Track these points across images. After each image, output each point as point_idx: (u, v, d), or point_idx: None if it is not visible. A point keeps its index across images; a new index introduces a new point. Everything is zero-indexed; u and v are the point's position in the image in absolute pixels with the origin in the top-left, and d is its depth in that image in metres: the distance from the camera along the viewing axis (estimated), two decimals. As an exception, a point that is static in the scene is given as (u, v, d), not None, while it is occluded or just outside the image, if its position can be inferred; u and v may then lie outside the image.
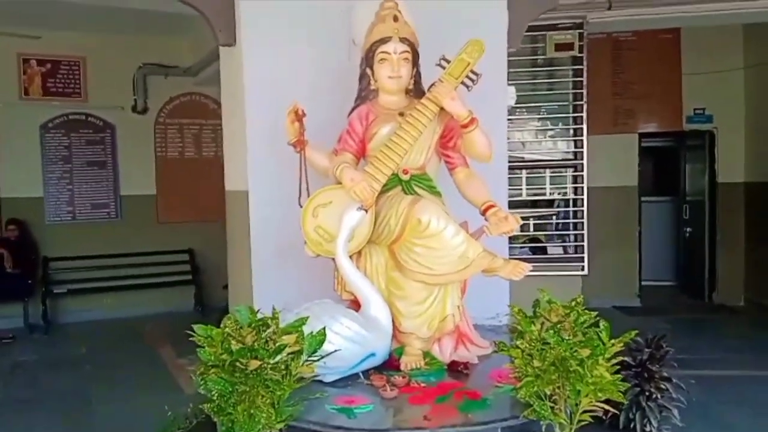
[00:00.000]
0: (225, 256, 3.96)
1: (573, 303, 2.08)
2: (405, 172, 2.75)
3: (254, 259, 3.39)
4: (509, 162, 4.08)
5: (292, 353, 2.04)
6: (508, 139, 4.39)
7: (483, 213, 2.75)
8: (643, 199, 8.25)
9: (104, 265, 7.98)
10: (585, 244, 6.59)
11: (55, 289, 7.81)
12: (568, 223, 6.73)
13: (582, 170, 6.50)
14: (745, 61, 7.93)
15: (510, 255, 3.78)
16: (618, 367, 2.08)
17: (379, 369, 2.65)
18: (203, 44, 6.67)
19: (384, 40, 2.74)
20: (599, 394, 2.00)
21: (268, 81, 3.38)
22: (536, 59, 6.51)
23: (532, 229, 6.87)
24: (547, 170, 6.76)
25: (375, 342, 2.57)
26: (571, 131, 6.59)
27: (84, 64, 8.01)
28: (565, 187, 6.62)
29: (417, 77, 2.86)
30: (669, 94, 8.07)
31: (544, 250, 6.99)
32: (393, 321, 2.66)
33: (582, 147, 6.44)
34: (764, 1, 5.67)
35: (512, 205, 3.87)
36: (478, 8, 3.61)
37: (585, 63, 6.19)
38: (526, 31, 4.07)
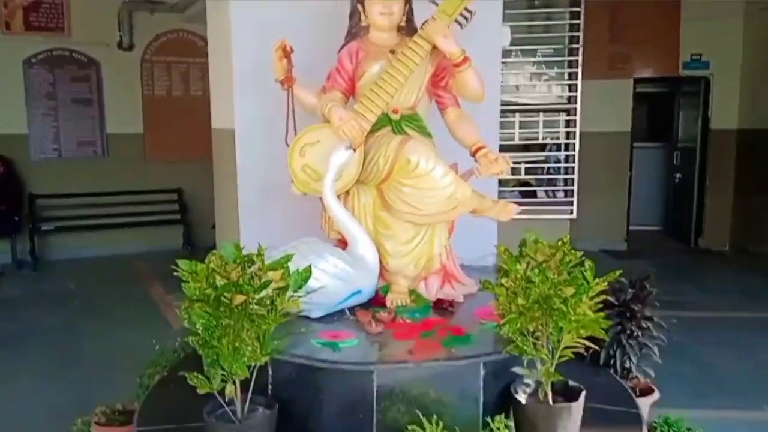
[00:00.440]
0: (213, 195, 3.94)
1: (559, 243, 2.09)
2: (395, 111, 2.71)
3: (241, 199, 3.37)
4: (502, 106, 4.03)
5: (277, 289, 2.05)
6: (502, 82, 4.33)
7: (473, 154, 2.73)
8: (635, 145, 8.24)
9: (92, 203, 7.93)
10: (575, 188, 6.61)
11: (42, 226, 7.78)
12: (559, 167, 6.74)
13: (575, 115, 6.44)
14: (746, 7, 7.78)
15: (500, 198, 3.78)
16: (601, 306, 2.11)
17: (366, 306, 2.68)
18: (190, -22, 6.46)
19: None
20: (581, 332, 2.03)
21: (256, 17, 3.28)
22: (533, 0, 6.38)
23: (523, 173, 6.87)
24: (541, 114, 6.70)
25: (361, 280, 2.59)
26: (566, 75, 6.51)
27: (67, -2, 7.77)
28: (558, 132, 6.59)
29: (409, 14, 2.79)
30: (666, 39, 7.93)
31: (534, 195, 7.02)
32: (380, 260, 2.67)
33: (576, 91, 6.38)
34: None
35: (504, 149, 3.83)
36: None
37: (582, 5, 6.06)
38: (524, -30, 3.95)
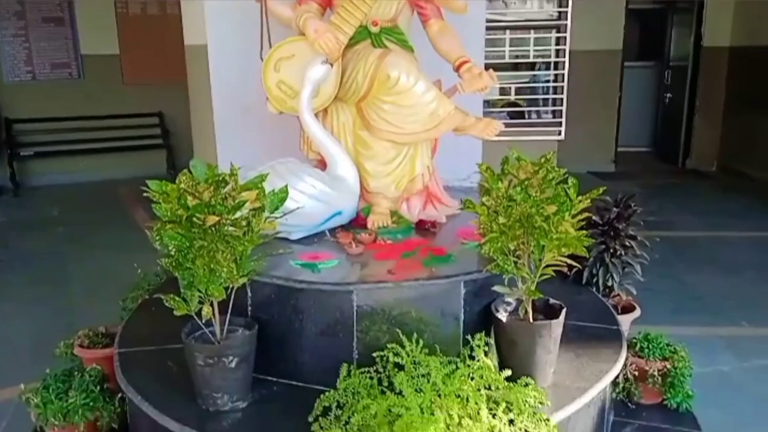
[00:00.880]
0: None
1: (542, 160, 2.03)
2: (374, 23, 2.58)
3: (217, 120, 3.26)
4: (492, 23, 3.87)
5: (253, 210, 1.99)
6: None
7: (456, 69, 2.62)
8: (625, 64, 8.06)
9: (71, 127, 7.75)
10: (563, 108, 6.49)
11: (21, 151, 7.63)
12: (548, 87, 6.59)
13: (565, 32, 6.24)
14: None
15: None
16: (584, 224, 2.07)
17: (346, 227, 2.64)
18: None
19: None
20: (563, 250, 2.00)
21: None
22: None
23: (513, 93, 6.73)
24: (532, 32, 6.49)
25: (341, 201, 2.54)
26: (556, -10, 6.28)
27: None
28: (548, 50, 6.40)
29: None
30: (660, -48, 7.64)
31: (522, 116, 6.90)
32: (360, 180, 2.61)
33: (567, 7, 6.15)
34: None
35: (494, 68, 3.67)
36: None
37: None
38: None
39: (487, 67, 2.67)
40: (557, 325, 2.13)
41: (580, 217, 2.03)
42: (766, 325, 3.82)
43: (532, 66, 6.89)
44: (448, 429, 1.82)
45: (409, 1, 2.64)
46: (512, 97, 6.80)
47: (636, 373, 2.66)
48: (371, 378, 2.03)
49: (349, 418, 1.88)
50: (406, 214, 2.73)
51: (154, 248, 1.99)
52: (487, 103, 6.26)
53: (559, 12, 6.27)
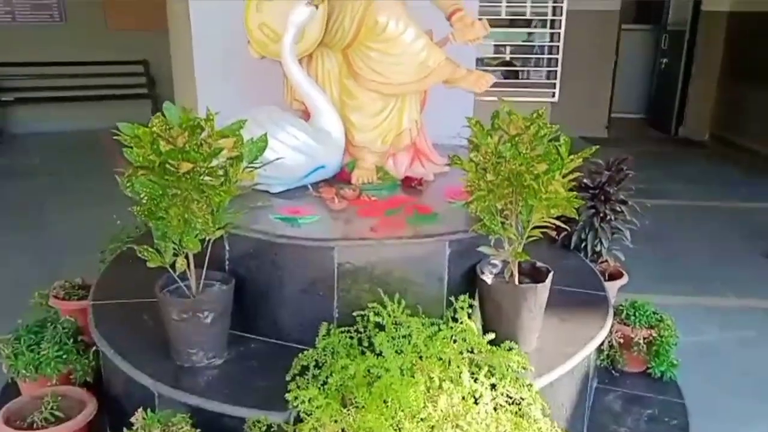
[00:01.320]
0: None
1: (534, 115, 1.93)
2: (364, -35, 2.43)
3: (197, 64, 3.12)
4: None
5: (230, 159, 1.89)
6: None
7: (449, 18, 2.50)
8: (623, 27, 7.88)
9: (53, 73, 7.53)
10: (558, 69, 6.38)
11: (1, 97, 7.41)
12: (543, 46, 6.45)
13: (564, -12, 6.09)
14: None
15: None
16: (574, 185, 1.99)
17: (329, 182, 2.56)
18: None
19: None
20: (552, 211, 1.93)
21: None
22: None
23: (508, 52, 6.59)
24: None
25: (325, 154, 2.44)
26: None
27: None
28: (545, 7, 6.25)
29: None
30: None
31: (515, 76, 6.77)
32: (345, 133, 2.51)
33: (566, -37, 5.99)
34: None
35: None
36: None
37: None
38: None
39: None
40: (543, 289, 2.07)
41: (571, 177, 1.94)
42: (751, 296, 3.80)
43: (528, 23, 6.72)
44: (428, 392, 1.77)
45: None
46: (507, 56, 6.66)
47: (621, 340, 2.63)
48: (351, 338, 1.97)
49: (327, 378, 1.82)
50: (392, 170, 2.64)
51: (134, 201, 1.89)
52: (481, 62, 6.11)
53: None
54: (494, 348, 1.97)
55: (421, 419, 1.71)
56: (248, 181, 1.97)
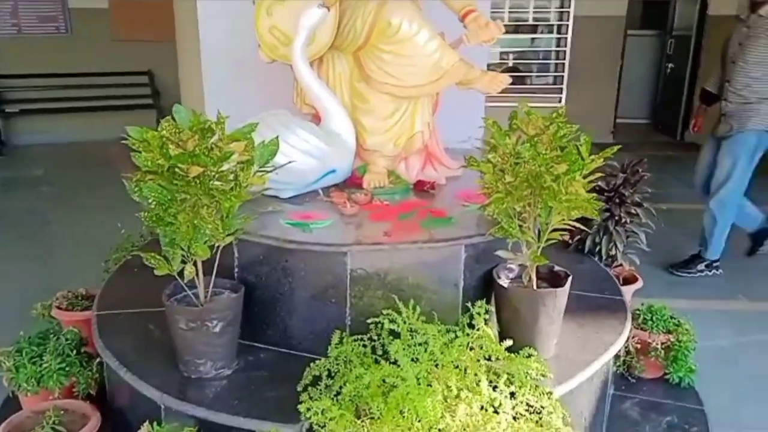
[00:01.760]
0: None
1: (554, 115, 1.88)
2: (375, -33, 2.39)
3: (206, 70, 3.08)
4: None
5: (241, 163, 1.84)
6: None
7: (462, 18, 2.45)
8: (629, 32, 7.84)
9: (58, 84, 7.50)
10: (565, 74, 6.34)
11: (6, 108, 7.40)
12: (550, 51, 6.42)
13: (570, -6, 6.06)
14: None
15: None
16: (594, 185, 1.94)
17: (341, 186, 2.50)
18: None
19: None
20: (573, 213, 1.87)
21: None
22: None
23: (512, 57, 6.55)
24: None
25: (336, 158, 2.39)
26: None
27: None
28: (549, 12, 6.22)
29: None
30: None
31: (522, 81, 6.72)
32: (356, 137, 2.46)
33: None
34: None
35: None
36: None
37: None
38: None
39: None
40: (563, 294, 2.01)
41: (591, 177, 1.89)
42: (764, 300, 3.73)
43: (533, 29, 6.67)
44: (446, 401, 1.71)
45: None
46: (510, 62, 6.62)
47: (638, 345, 2.57)
48: (365, 346, 1.91)
49: (340, 388, 1.76)
50: (404, 174, 2.59)
51: (141, 209, 1.84)
52: (486, 68, 6.07)
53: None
54: (512, 355, 1.90)
55: (439, 430, 1.65)
56: (258, 185, 1.92)
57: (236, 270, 2.15)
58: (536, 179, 1.83)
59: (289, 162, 2.12)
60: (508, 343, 1.92)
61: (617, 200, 2.80)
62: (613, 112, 7.98)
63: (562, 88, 6.36)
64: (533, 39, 6.81)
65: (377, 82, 2.40)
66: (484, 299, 2.03)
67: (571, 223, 1.91)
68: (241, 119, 1.90)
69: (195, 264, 1.88)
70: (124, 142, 1.76)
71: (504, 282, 2.05)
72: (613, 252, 2.84)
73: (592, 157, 1.85)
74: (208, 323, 1.92)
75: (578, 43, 6.54)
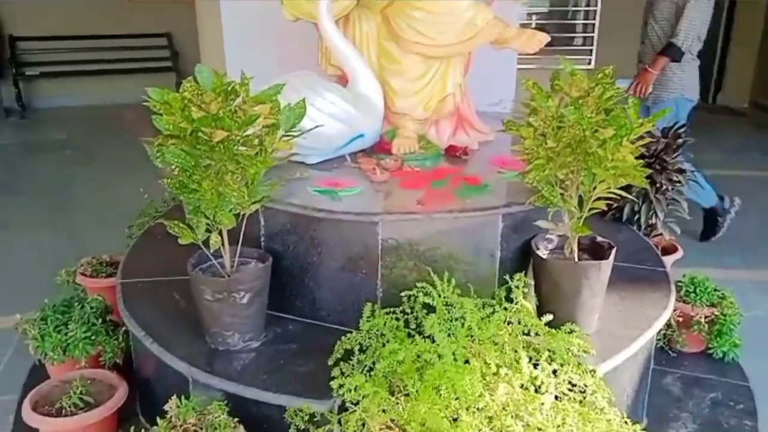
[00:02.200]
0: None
1: (600, 75, 1.75)
2: None
3: (226, 30, 2.96)
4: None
5: (266, 127, 1.74)
6: None
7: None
8: (661, -9, 7.52)
9: (77, 47, 7.44)
10: (595, 35, 6.11)
11: (26, 71, 7.35)
12: (579, 11, 6.18)
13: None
14: None
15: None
16: (642, 150, 1.81)
17: (369, 152, 2.40)
18: None
19: None
20: (619, 180, 1.75)
21: None
22: None
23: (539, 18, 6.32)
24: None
25: (363, 122, 2.28)
26: None
27: None
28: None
29: None
30: None
31: (550, 42, 6.50)
32: (385, 100, 2.34)
33: None
34: None
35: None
36: None
37: None
38: None
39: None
40: (606, 267, 1.90)
41: (640, 143, 1.76)
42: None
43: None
44: (484, 379, 1.63)
45: None
46: (534, 22, 6.38)
47: (680, 318, 2.46)
48: (397, 319, 1.82)
49: (373, 363, 1.68)
50: (434, 138, 2.47)
51: (161, 173, 1.76)
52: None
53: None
54: (553, 330, 1.81)
55: (478, 409, 1.57)
56: (284, 151, 1.82)
57: (263, 239, 2.07)
58: (580, 144, 1.71)
59: (317, 126, 2.02)
60: (548, 317, 1.83)
61: (658, 167, 2.67)
62: (643, 73, 7.71)
63: (591, 50, 6.13)
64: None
65: (407, 42, 2.27)
66: (522, 272, 1.93)
67: (616, 191, 1.79)
68: (263, 82, 1.80)
69: (220, 233, 1.80)
70: (145, 104, 1.67)
71: (543, 253, 1.95)
72: (653, 221, 2.72)
73: (641, 120, 1.72)
74: (235, 294, 1.85)
75: (608, 2, 6.28)
